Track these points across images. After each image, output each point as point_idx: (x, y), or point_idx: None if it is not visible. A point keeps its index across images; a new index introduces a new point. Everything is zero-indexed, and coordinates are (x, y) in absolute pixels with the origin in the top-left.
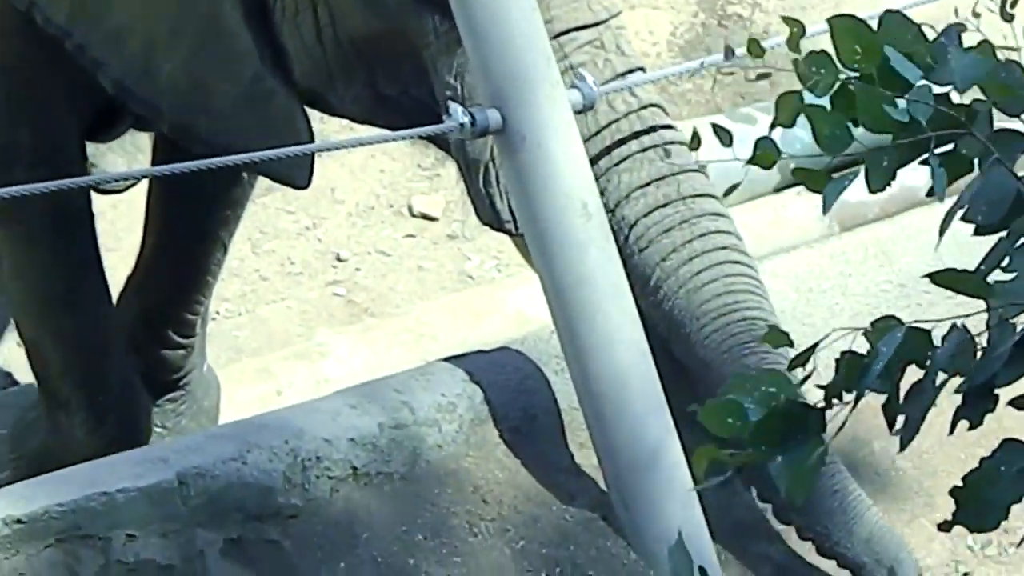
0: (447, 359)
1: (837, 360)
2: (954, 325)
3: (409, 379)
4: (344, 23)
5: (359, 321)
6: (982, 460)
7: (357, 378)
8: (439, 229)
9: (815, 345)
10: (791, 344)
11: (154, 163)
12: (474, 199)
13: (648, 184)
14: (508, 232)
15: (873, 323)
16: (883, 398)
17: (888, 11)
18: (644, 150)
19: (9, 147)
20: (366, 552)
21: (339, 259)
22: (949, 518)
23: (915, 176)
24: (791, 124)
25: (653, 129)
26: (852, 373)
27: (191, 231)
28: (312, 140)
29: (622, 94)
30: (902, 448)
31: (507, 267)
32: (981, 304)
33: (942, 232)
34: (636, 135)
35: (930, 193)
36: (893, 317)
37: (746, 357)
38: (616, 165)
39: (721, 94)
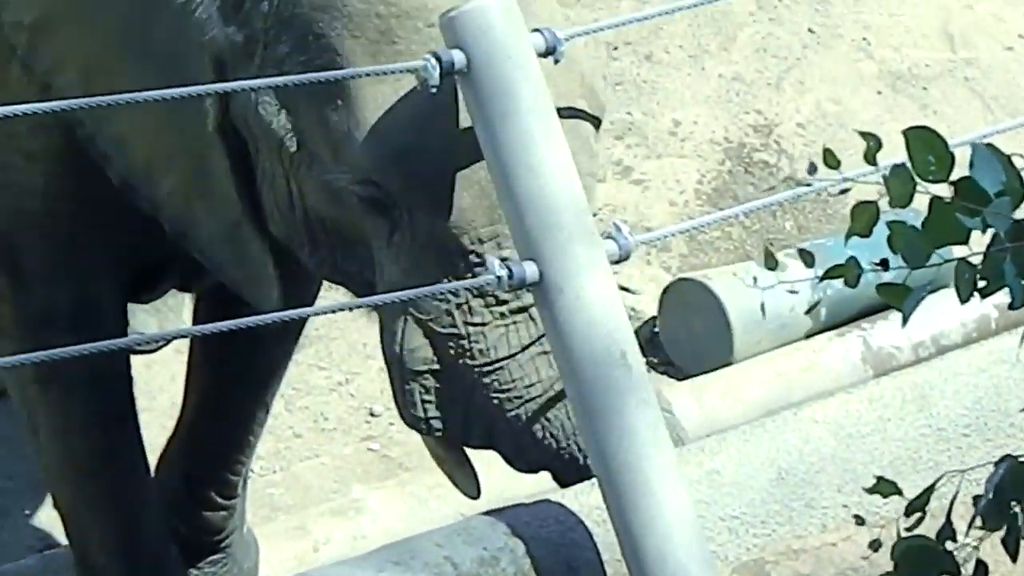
0: (487, 512)
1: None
2: None
3: (450, 533)
4: (309, 200)
5: (394, 476)
6: None
7: (394, 534)
8: None
9: (930, 489)
10: (900, 493)
11: (195, 323)
12: (398, 398)
13: None
14: (430, 434)
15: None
16: None
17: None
18: None
19: (48, 309)
20: None
21: (372, 414)
22: None
23: (946, 320)
24: (868, 233)
25: None
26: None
27: (235, 392)
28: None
29: None
30: None
31: None
32: (1019, 444)
33: None
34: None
35: (1011, 307)
36: (1010, 456)
37: None
38: None
39: (750, 240)
